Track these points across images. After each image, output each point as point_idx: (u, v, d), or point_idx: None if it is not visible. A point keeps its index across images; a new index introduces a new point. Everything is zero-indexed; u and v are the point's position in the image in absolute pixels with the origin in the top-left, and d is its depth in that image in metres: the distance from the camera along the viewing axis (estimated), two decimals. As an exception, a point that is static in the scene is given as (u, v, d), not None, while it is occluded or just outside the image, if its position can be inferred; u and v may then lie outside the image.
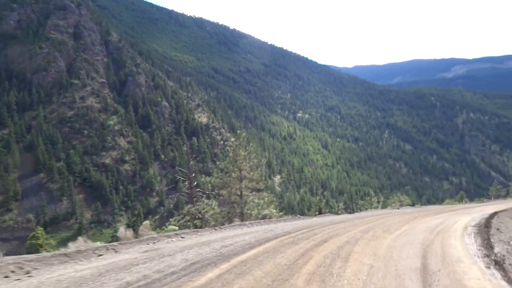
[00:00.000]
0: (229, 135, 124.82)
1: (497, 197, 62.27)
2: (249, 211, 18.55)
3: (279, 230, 11.22)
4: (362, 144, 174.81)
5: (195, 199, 20.49)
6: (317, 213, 28.11)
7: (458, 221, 12.34)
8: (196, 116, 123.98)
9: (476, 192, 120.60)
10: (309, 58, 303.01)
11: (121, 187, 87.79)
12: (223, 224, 15.23)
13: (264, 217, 17.51)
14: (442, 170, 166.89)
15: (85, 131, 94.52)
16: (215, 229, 12.03)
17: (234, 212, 18.40)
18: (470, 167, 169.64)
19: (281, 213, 21.19)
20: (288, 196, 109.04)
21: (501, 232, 9.14)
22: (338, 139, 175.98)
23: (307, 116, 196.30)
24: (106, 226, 75.04)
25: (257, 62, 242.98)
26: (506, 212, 15.17)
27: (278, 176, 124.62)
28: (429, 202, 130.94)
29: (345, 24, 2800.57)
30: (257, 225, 13.36)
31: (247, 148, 21.27)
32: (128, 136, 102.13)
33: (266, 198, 20.03)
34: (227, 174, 19.83)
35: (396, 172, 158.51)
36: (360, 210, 36.76)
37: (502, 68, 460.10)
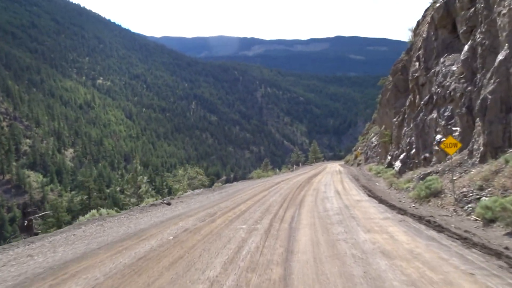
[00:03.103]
0: (1, 99, 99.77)
1: (302, 163, 65.14)
2: None
3: None
4: (169, 115, 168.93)
5: None
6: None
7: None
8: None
9: (272, 159, 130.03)
10: (112, 21, 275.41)
11: None
12: None
13: None
14: (244, 140, 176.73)
15: None
16: None
17: None
18: (267, 137, 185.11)
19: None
20: (83, 172, 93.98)
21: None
22: (144, 109, 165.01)
23: (108, 83, 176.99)
24: None
25: (47, 17, 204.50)
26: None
27: (71, 150, 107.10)
28: (232, 170, 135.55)
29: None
30: None
31: None
32: None
33: None
34: None
35: (202, 142, 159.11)
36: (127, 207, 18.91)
37: (292, 50, 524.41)
